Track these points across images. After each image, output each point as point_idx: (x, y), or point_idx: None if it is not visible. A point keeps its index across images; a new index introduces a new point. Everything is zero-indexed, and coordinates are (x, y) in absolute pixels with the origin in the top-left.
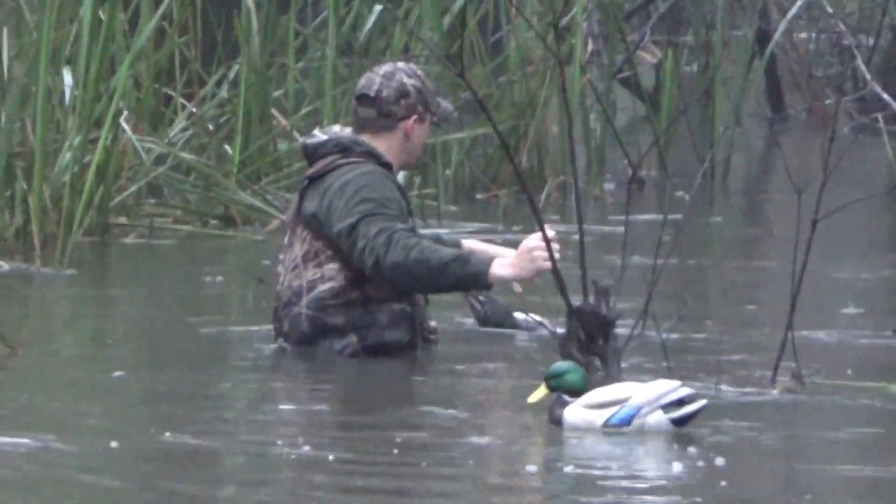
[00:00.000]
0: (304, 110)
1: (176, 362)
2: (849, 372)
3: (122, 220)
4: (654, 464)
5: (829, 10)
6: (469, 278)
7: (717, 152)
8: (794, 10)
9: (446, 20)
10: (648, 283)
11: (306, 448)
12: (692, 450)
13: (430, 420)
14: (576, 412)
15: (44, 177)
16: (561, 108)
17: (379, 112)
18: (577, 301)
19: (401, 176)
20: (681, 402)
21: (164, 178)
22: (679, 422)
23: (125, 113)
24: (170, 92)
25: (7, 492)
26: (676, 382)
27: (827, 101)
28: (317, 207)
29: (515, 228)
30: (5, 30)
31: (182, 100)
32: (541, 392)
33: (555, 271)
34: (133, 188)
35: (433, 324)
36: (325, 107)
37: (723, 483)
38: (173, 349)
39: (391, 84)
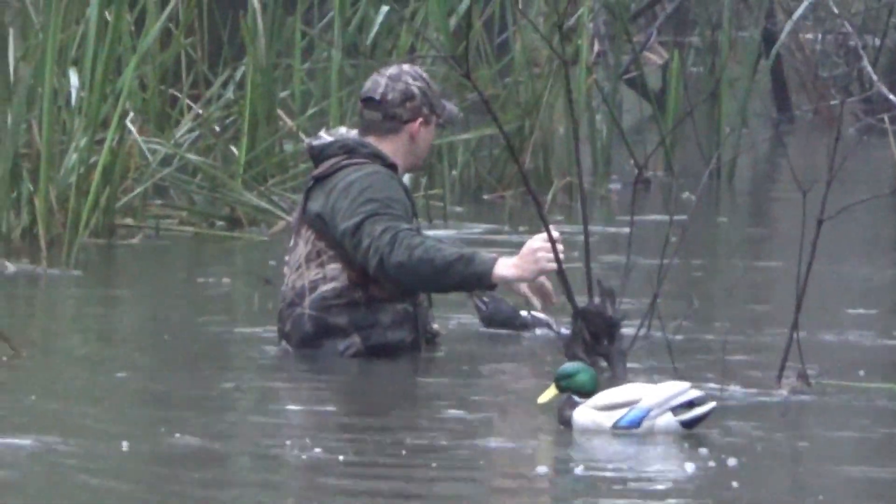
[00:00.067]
0: (310, 111)
1: (182, 363)
2: (861, 373)
3: (128, 221)
4: (666, 465)
5: (835, 10)
6: (473, 278)
7: (723, 153)
8: (800, 11)
9: (452, 21)
10: (654, 283)
11: (314, 450)
12: (703, 451)
13: (439, 421)
14: (585, 413)
15: (50, 178)
16: (566, 109)
17: (384, 115)
18: (582, 302)
19: (406, 177)
20: (690, 405)
21: (170, 180)
22: (688, 424)
23: (131, 114)
24: (176, 93)
25: (12, 494)
26: (686, 384)
27: (833, 102)
28: (321, 207)
29: (521, 229)
30: (11, 31)
31: (188, 101)
32: (550, 393)
33: (560, 272)
34: (139, 189)
35: (436, 326)
36: (331, 108)
37: (735, 484)
38: (179, 350)
39: (396, 87)
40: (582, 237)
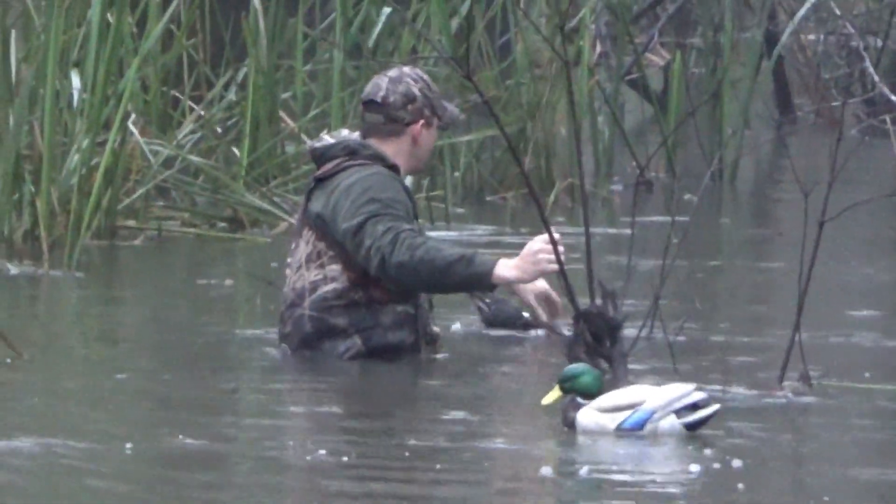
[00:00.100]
0: (312, 113)
1: (183, 365)
2: (867, 375)
3: (130, 222)
4: (671, 467)
5: (838, 11)
6: (473, 278)
7: (725, 154)
8: (802, 12)
9: (454, 22)
10: (656, 285)
11: (317, 452)
12: (708, 452)
13: (442, 423)
14: (589, 415)
15: (52, 180)
16: (568, 111)
17: (386, 117)
18: (584, 303)
19: (408, 179)
20: (694, 407)
21: (173, 181)
22: (692, 426)
23: (133, 116)
24: (178, 94)
25: (13, 496)
26: (690, 386)
27: (835, 103)
28: (322, 208)
29: (523, 231)
30: (13, 32)
31: (190, 102)
32: (554, 394)
33: (561, 273)
34: (141, 191)
35: (436, 329)
36: (333, 109)
37: (740, 486)
38: (181, 352)
39: (397, 89)
40: (584, 238)
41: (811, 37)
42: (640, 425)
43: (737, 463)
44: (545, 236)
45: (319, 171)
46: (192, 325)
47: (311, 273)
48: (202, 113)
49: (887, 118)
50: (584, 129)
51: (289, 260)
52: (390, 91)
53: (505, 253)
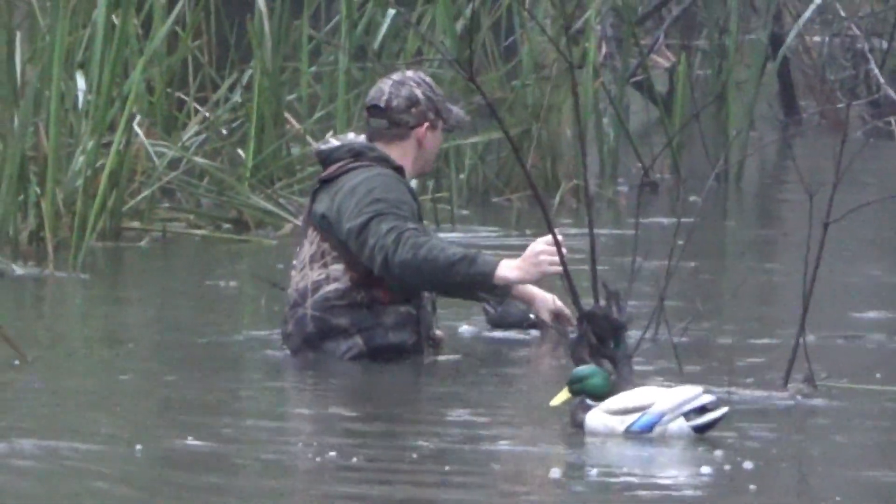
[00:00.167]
0: (317, 114)
1: (189, 367)
2: (877, 375)
3: (136, 224)
4: (681, 469)
5: (843, 13)
6: (476, 278)
7: (730, 156)
8: (807, 14)
9: (459, 24)
10: (660, 286)
11: (324, 455)
12: (718, 454)
13: (449, 425)
14: (597, 417)
15: (57, 181)
16: (573, 112)
17: (390, 121)
18: (588, 304)
19: (413, 181)
20: (703, 409)
21: (178, 183)
22: (701, 429)
23: (138, 117)
24: (183, 96)
25: (19, 498)
26: (699, 389)
27: (840, 105)
28: (326, 208)
29: (529, 232)
30: (19, 34)
31: (195, 104)
32: (563, 395)
33: (565, 275)
34: (146, 192)
35: (439, 333)
36: (338, 111)
37: (752, 487)
38: (186, 353)
39: (401, 93)
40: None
41: (816, 38)
42: (649, 428)
43: (748, 465)
44: (548, 237)
45: (324, 173)
46: (197, 327)
47: (314, 273)
48: (207, 114)
49: (892, 120)
50: (589, 131)
51: (294, 262)
52: (393, 95)
53: (510, 255)
